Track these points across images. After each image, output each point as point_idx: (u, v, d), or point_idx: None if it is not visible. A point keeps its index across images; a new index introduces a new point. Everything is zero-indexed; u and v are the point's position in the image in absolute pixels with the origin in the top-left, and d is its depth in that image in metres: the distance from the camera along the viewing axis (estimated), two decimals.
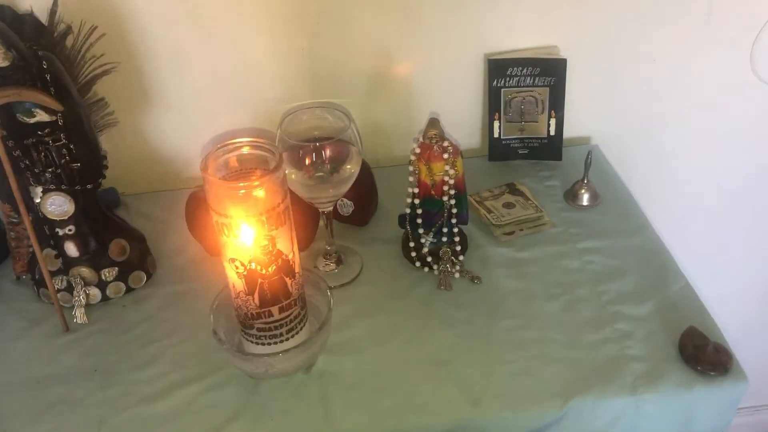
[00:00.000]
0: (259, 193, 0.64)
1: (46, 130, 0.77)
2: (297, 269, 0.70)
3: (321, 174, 0.81)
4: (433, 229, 0.88)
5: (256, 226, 0.64)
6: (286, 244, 0.67)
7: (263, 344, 0.73)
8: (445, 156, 0.83)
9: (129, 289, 0.89)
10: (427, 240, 0.88)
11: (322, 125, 0.83)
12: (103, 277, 0.86)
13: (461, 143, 0.85)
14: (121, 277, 0.87)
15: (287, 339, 0.73)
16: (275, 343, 0.72)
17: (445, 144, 0.83)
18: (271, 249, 0.66)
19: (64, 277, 0.85)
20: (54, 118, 0.76)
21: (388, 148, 1.09)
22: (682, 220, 1.20)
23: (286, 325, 0.72)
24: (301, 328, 0.74)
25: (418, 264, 0.89)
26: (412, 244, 0.89)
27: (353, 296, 0.87)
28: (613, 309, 0.83)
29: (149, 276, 0.90)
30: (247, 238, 0.65)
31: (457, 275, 0.88)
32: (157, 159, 1.06)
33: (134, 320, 0.85)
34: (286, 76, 1.01)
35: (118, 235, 0.87)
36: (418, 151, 0.83)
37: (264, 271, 0.67)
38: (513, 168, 1.07)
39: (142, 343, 0.82)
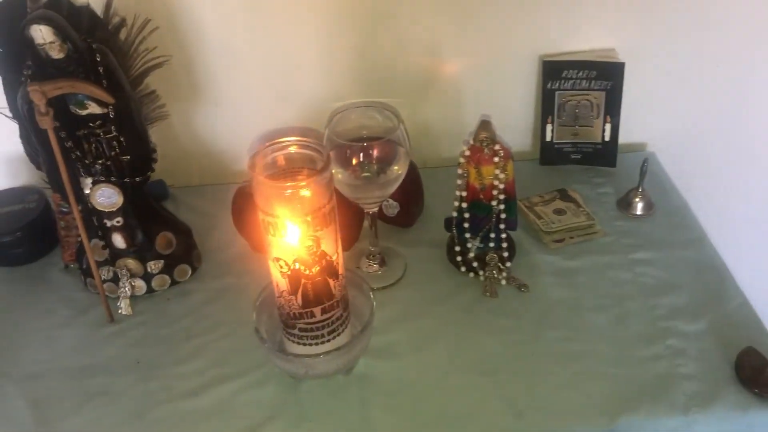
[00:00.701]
0: (306, 193, 0.63)
1: (98, 122, 0.77)
2: (340, 271, 0.69)
3: (367, 174, 0.80)
4: (480, 234, 0.86)
5: (301, 226, 0.64)
6: (331, 245, 0.66)
7: (305, 344, 0.72)
8: (496, 159, 0.81)
9: (174, 282, 0.89)
10: (473, 245, 0.87)
11: (370, 125, 0.81)
12: (149, 270, 0.87)
13: (511, 146, 0.83)
14: (167, 270, 0.88)
15: (329, 340, 0.72)
16: (316, 344, 0.72)
17: (496, 147, 0.81)
18: (315, 249, 0.65)
19: (111, 268, 0.86)
20: (105, 110, 0.76)
21: (436, 148, 1.07)
22: (741, 234, 1.15)
23: (328, 327, 0.71)
24: (342, 330, 0.73)
25: (463, 269, 0.88)
26: (458, 249, 0.87)
27: (396, 299, 0.85)
28: (665, 324, 0.80)
29: (194, 270, 0.91)
30: (292, 238, 0.64)
31: (503, 282, 0.86)
32: (206, 153, 1.07)
33: (178, 314, 0.86)
34: (335, 74, 1.00)
35: (165, 228, 0.88)
36: (467, 153, 0.82)
37: (308, 272, 0.66)
38: (564, 173, 1.04)
39: (185, 337, 0.83)
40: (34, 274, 0.93)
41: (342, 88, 1.01)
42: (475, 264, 0.87)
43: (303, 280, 0.67)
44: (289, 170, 0.66)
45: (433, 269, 0.90)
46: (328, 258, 0.67)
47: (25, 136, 0.87)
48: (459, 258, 0.88)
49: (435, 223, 0.95)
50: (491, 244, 0.87)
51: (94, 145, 0.78)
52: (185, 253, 0.89)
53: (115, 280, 0.86)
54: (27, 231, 0.92)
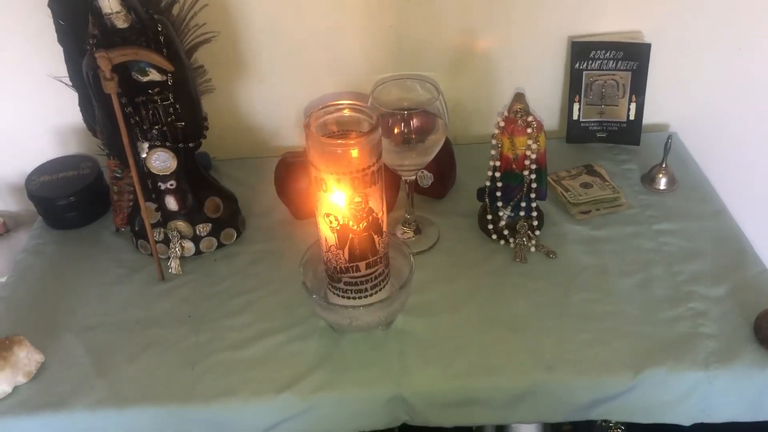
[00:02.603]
0: (356, 152, 0.68)
1: (156, 89, 0.82)
2: (384, 228, 0.74)
3: (407, 143, 0.85)
4: (511, 203, 0.91)
5: (351, 184, 0.68)
6: (377, 203, 0.71)
7: (348, 298, 0.77)
8: (529, 131, 0.85)
9: (220, 245, 0.94)
10: (504, 213, 0.91)
11: (410, 97, 0.86)
12: (198, 232, 0.92)
13: None
14: (214, 233, 0.93)
15: (371, 294, 0.77)
16: (360, 297, 0.77)
17: (530, 119, 0.85)
18: (363, 206, 0.70)
19: (162, 230, 0.91)
20: (164, 78, 0.81)
21: (466, 125, 1.12)
22: (761, 212, 1.19)
23: (371, 281, 0.76)
24: (384, 286, 0.78)
25: (494, 237, 0.92)
26: (489, 217, 0.92)
27: (430, 263, 0.90)
28: (688, 289, 0.84)
29: (239, 234, 0.96)
30: (342, 195, 0.69)
31: (532, 249, 0.91)
32: (247, 127, 1.12)
33: (224, 273, 0.91)
34: (373, 51, 1.05)
35: (213, 193, 0.93)
36: (502, 124, 0.86)
37: (355, 227, 0.71)
38: (590, 150, 1.09)
39: (232, 295, 0.88)
40: (87, 236, 0.99)
41: (378, 65, 1.05)
42: (505, 232, 0.91)
43: (350, 235, 0.72)
44: (340, 131, 0.71)
45: (465, 237, 0.94)
46: (374, 215, 0.71)
47: (84, 105, 0.92)
48: (490, 226, 0.92)
49: (465, 195, 0.99)
50: (521, 213, 0.91)
51: (151, 111, 0.84)
52: (231, 218, 0.95)
53: (166, 241, 0.91)
54: (81, 196, 0.98)
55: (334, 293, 0.78)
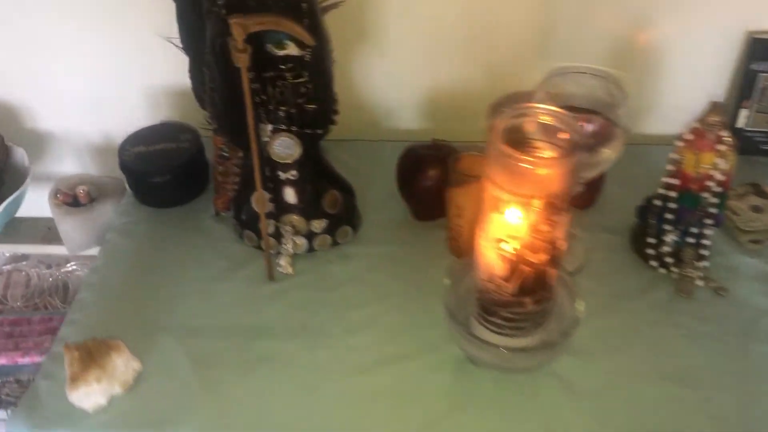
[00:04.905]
0: (550, 172, 0.55)
1: (289, 65, 0.70)
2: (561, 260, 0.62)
3: None
4: (680, 227, 0.78)
5: (539, 209, 0.56)
6: (562, 232, 0.59)
7: (502, 334, 0.65)
8: (721, 148, 0.71)
9: (334, 243, 0.83)
10: (671, 238, 0.78)
11: (581, 93, 0.73)
12: (313, 228, 0.80)
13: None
14: (330, 230, 0.81)
15: (530, 333, 0.65)
16: (516, 335, 0.65)
17: (723, 134, 0.71)
18: (549, 236, 0.58)
19: (274, 223, 0.80)
20: (303, 52, 0.69)
21: None
22: None
23: (534, 319, 0.64)
24: (545, 324, 0.66)
25: (653, 263, 0.79)
26: (652, 241, 0.79)
27: (580, 289, 0.77)
28: None
29: (354, 232, 0.84)
30: (525, 220, 0.57)
31: (699, 283, 0.78)
32: (359, 105, 0.99)
33: (340, 278, 0.80)
34: (518, 34, 0.91)
35: (333, 185, 0.81)
36: (689, 137, 0.73)
37: (533, 259, 0.59)
38: (754, 165, 0.94)
39: (350, 305, 0.77)
40: (183, 218, 0.88)
41: (526, 49, 0.92)
42: (668, 260, 0.78)
43: (525, 267, 0.60)
44: (526, 139, 0.58)
45: (617, 260, 0.82)
46: (557, 247, 0.59)
47: (195, 72, 0.81)
48: (651, 251, 0.79)
49: (613, 207, 0.87)
50: (689, 239, 0.78)
51: (279, 89, 0.71)
52: (348, 214, 0.83)
53: (277, 236, 0.80)
54: (179, 173, 0.87)
55: (485, 326, 0.66)
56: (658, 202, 0.77)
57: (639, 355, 0.71)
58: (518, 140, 0.58)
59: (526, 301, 0.62)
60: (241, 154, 0.83)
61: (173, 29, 0.79)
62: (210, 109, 0.79)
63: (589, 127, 0.70)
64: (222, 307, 0.77)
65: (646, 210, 0.79)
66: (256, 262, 0.81)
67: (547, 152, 0.57)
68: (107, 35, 0.94)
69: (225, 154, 0.84)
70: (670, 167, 0.75)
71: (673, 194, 0.76)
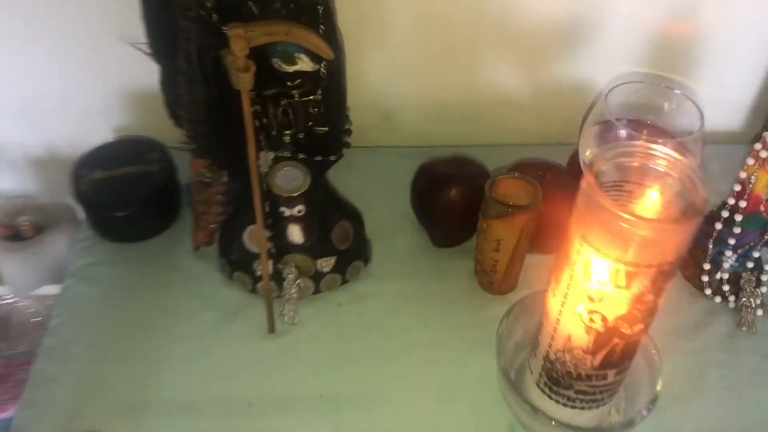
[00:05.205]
0: (661, 234, 0.44)
1: (297, 81, 0.56)
2: None
3: None
4: (739, 251, 0.68)
5: (648, 278, 0.45)
6: (664, 298, 0.48)
7: (574, 407, 0.54)
8: None
9: (344, 281, 0.70)
10: (728, 263, 0.69)
11: (645, 104, 0.62)
12: (320, 268, 0.67)
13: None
14: (339, 267, 0.68)
15: (601, 403, 0.55)
16: (588, 407, 0.54)
17: None
18: (651, 306, 0.47)
19: (271, 262, 0.66)
20: (317, 67, 0.55)
21: None
22: None
23: (610, 389, 0.54)
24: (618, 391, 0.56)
25: (708, 291, 0.70)
26: (707, 267, 0.70)
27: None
28: None
29: (365, 265, 0.72)
30: (627, 290, 0.46)
31: (759, 312, 0.69)
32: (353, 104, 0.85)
33: (356, 325, 0.67)
34: (536, 26, 0.79)
35: (344, 215, 0.68)
36: (764, 155, 0.62)
37: (628, 331, 0.48)
38: None
39: (373, 362, 0.65)
40: (156, 255, 0.73)
41: (540, 47, 0.80)
42: (726, 287, 0.69)
43: (617, 340, 0.49)
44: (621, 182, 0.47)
45: None
46: (655, 314, 0.48)
47: (169, 85, 0.65)
48: (705, 278, 0.70)
49: None
50: (749, 265, 0.69)
51: (283, 109, 0.57)
52: (359, 247, 0.70)
53: (276, 277, 0.66)
54: (150, 203, 0.72)
55: (550, 396, 0.55)
56: (720, 226, 0.68)
57: (711, 404, 0.63)
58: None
59: (608, 374, 0.52)
60: (226, 179, 0.69)
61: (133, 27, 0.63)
62: (189, 128, 0.63)
63: None
64: (217, 374, 0.63)
65: (701, 233, 0.70)
66: (251, 310, 0.68)
67: (648, 202, 0.46)
68: (49, 30, 0.76)
69: (207, 179, 0.69)
70: (737, 187, 0.65)
71: (738, 218, 0.66)
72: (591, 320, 0.48)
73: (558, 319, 0.50)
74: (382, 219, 0.76)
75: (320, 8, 0.52)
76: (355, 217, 0.70)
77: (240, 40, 0.49)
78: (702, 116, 0.58)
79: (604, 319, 0.47)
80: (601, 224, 0.44)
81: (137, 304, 0.68)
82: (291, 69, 0.54)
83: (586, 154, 0.62)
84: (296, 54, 0.53)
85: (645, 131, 0.59)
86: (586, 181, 0.44)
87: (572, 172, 0.72)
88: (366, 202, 0.75)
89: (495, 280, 0.68)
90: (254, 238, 0.66)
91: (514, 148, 0.86)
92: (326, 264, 0.68)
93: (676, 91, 0.60)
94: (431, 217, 0.73)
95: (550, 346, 0.52)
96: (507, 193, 0.65)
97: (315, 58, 0.54)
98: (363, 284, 0.71)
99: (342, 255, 0.68)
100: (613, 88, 0.59)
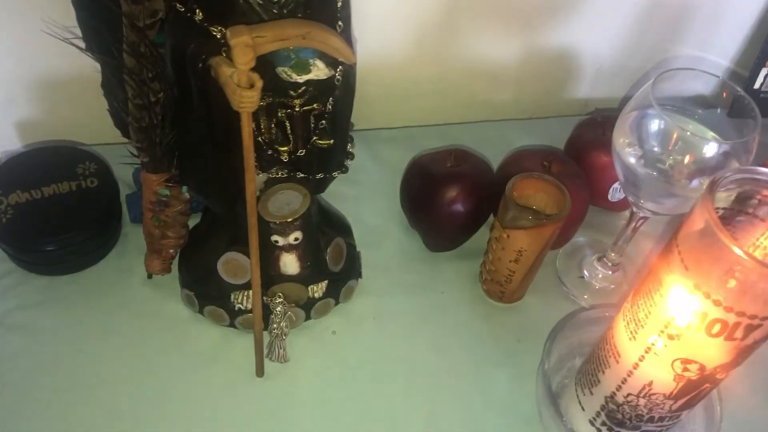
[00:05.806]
0: None
1: (300, 89, 0.44)
2: None
3: (673, 164, 0.54)
4: None
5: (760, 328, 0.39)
6: None
7: None
8: None
9: (335, 304, 0.60)
10: None
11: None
12: (311, 294, 0.57)
13: None
14: (332, 291, 0.58)
15: None
16: None
17: None
18: (750, 351, 0.41)
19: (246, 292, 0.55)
20: (332, 73, 0.43)
21: None
22: None
23: (674, 421, 0.49)
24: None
25: None
26: None
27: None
28: None
29: (356, 281, 0.62)
30: (742, 341, 0.39)
31: None
32: None
33: (354, 355, 0.58)
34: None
35: (338, 232, 0.58)
36: None
37: (724, 376, 0.42)
38: None
39: (382, 399, 0.56)
40: (101, 287, 0.60)
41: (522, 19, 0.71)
42: None
43: (708, 386, 0.43)
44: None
45: None
46: None
47: (111, 87, 0.51)
48: None
49: None
50: None
51: (280, 121, 0.45)
52: (352, 264, 0.60)
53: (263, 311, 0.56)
54: (90, 232, 0.58)
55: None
56: None
57: None
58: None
59: (683, 414, 0.47)
60: (187, 196, 0.56)
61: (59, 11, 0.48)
62: (140, 137, 0.50)
63: (707, 154, 0.53)
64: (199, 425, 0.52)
65: None
66: (230, 350, 0.57)
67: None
68: None
69: (164, 197, 0.56)
70: None
71: None
72: (686, 369, 0.42)
73: (637, 364, 0.44)
74: (365, 222, 0.66)
75: (339, 2, 0.40)
76: (345, 229, 0.60)
77: (246, 49, 0.36)
78: (757, 123, 0.52)
79: (701, 368, 0.41)
80: (727, 273, 0.37)
81: (83, 356, 0.55)
82: (302, 78, 0.42)
83: (620, 141, 0.54)
84: (312, 61, 0.41)
85: (690, 127, 0.52)
86: (710, 219, 0.36)
87: (578, 160, 0.65)
88: (345, 204, 0.65)
89: (508, 290, 0.61)
90: (232, 267, 0.54)
91: (487, 124, 0.78)
92: (319, 289, 0.57)
93: (730, 82, 0.53)
94: (427, 221, 0.64)
95: (618, 388, 0.46)
96: (527, 195, 0.57)
97: (330, 62, 0.42)
98: (356, 303, 0.62)
99: (335, 276, 0.58)
100: (662, 72, 0.52)
